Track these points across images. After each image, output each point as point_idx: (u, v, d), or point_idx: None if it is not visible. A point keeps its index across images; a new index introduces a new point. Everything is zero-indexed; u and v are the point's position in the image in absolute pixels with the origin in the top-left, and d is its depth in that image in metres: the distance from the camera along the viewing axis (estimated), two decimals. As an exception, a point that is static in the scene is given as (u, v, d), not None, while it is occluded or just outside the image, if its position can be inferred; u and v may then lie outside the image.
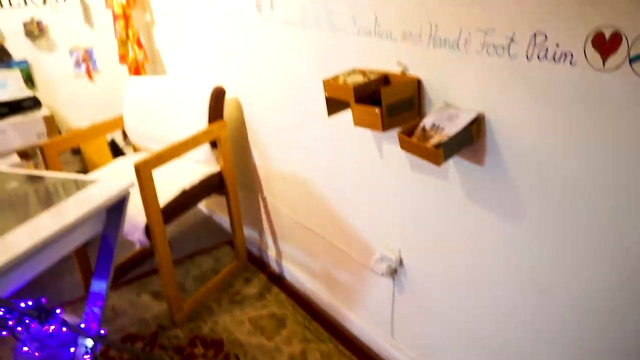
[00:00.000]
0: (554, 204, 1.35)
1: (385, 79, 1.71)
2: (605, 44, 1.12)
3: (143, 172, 2.18)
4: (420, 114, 1.65)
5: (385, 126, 1.59)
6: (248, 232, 3.07)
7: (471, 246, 1.65)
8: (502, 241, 1.54)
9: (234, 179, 2.73)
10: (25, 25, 3.14)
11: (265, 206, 2.85)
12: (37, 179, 2.07)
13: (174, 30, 3.15)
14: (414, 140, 1.50)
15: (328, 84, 1.76)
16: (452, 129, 1.45)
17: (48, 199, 1.90)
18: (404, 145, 1.54)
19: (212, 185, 2.66)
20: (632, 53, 1.07)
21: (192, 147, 2.47)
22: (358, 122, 1.70)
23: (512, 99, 1.35)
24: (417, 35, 1.57)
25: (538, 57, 1.25)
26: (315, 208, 2.39)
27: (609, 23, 1.09)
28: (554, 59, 1.22)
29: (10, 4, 3.08)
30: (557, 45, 1.20)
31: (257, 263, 2.99)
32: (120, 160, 2.94)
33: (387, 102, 1.57)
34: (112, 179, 2.46)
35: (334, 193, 2.25)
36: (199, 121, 2.57)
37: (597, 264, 1.30)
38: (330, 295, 2.53)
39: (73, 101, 3.38)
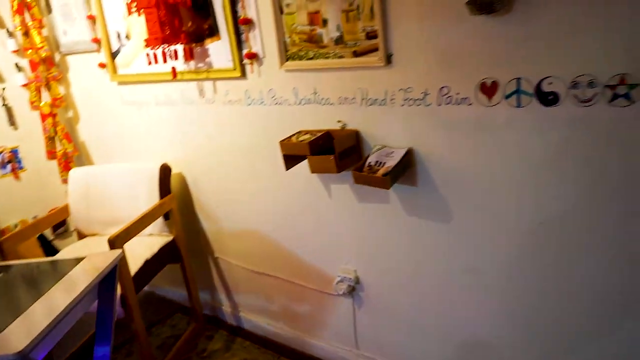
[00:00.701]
0: (470, 207, 1.90)
1: (328, 135, 2.20)
2: (488, 89, 1.73)
3: (117, 245, 2.40)
4: (362, 156, 2.15)
5: (339, 169, 2.07)
6: (200, 294, 3.28)
7: (415, 250, 2.15)
8: (438, 240, 2.05)
9: (186, 246, 2.99)
10: (-51, 131, 3.20)
11: (217, 265, 3.12)
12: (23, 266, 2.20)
13: (102, 123, 3.41)
14: (366, 174, 1.99)
15: (284, 144, 2.21)
16: (391, 162, 1.97)
17: (49, 278, 2.06)
18: (358, 180, 2.02)
19: (168, 254, 2.89)
20: (506, 92, 1.69)
21: (152, 220, 2.73)
22: (315, 169, 2.16)
23: (431, 134, 1.92)
24: (351, 99, 2.11)
25: (445, 103, 1.84)
26: (270, 253, 2.74)
27: (489, 76, 1.70)
28: (456, 103, 1.81)
29: None
30: (458, 93, 1.80)
31: (214, 321, 3.20)
32: (68, 248, 3.05)
33: (339, 150, 2.06)
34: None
35: (287, 236, 2.63)
36: (151, 197, 2.84)
37: (504, 245, 1.85)
38: (293, 329, 2.84)
39: (4, 201, 3.41)
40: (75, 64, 3.41)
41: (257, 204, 2.69)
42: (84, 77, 3.38)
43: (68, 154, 3.49)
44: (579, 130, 1.59)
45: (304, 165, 2.30)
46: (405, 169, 2.00)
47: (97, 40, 3.10)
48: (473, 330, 2.09)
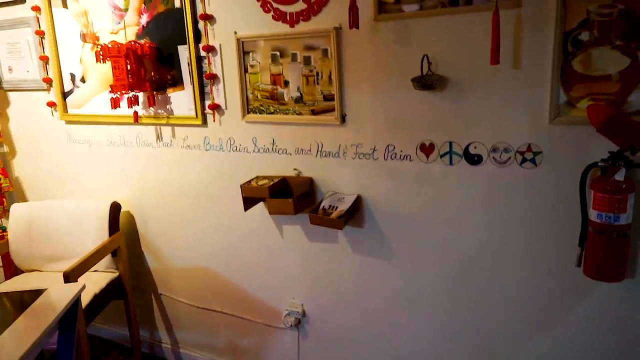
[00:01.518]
0: (408, 244, 2.26)
1: (285, 180, 2.49)
2: (426, 149, 2.12)
3: (72, 279, 2.47)
4: (315, 201, 2.45)
5: (297, 211, 2.35)
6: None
7: (359, 284, 2.45)
8: (380, 274, 2.38)
9: (130, 283, 3.06)
10: None
11: (160, 302, 3.21)
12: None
13: (42, 160, 3.42)
14: (321, 216, 2.29)
15: (245, 187, 2.46)
16: (343, 206, 2.29)
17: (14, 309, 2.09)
18: (313, 221, 2.31)
19: (114, 290, 2.96)
20: (441, 152, 2.09)
21: (101, 257, 2.80)
22: (273, 211, 2.43)
23: (378, 183, 2.27)
24: (307, 150, 2.42)
25: (391, 158, 2.21)
26: (218, 289, 2.91)
27: (427, 138, 2.10)
28: (400, 158, 2.18)
29: None
30: (401, 151, 2.17)
31: (152, 359, 3.25)
32: (9, 282, 3.00)
33: (296, 194, 2.35)
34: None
35: (237, 272, 2.83)
36: (101, 234, 2.92)
37: (437, 275, 2.22)
38: (232, 367, 2.99)
39: None
40: (18, 101, 3.43)
41: (209, 242, 2.87)
42: (26, 114, 3.41)
43: (3, 189, 3.45)
44: (497, 185, 2.02)
45: (259, 206, 2.55)
46: (354, 213, 2.33)
47: (47, 80, 3.17)
48: (412, 348, 2.41)
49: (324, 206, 2.34)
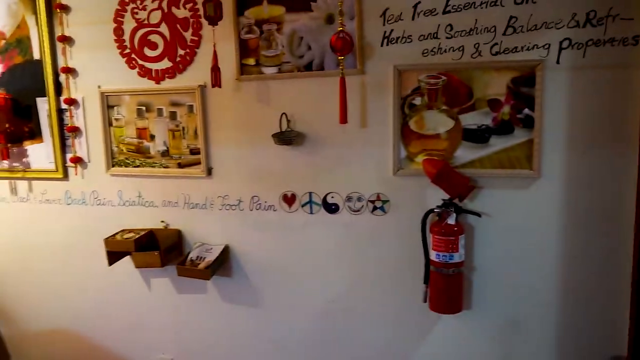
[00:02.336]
0: (275, 291, 2.36)
1: (152, 233, 2.47)
2: (289, 199, 2.26)
3: None
4: (183, 252, 2.46)
5: (164, 263, 2.35)
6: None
7: (230, 331, 2.47)
8: (249, 321, 2.43)
9: (-24, 353, 2.78)
10: None
11: (13, 373, 2.93)
12: None
13: None
14: (188, 267, 2.31)
15: (108, 241, 2.40)
16: (211, 256, 2.33)
17: None
18: (181, 272, 2.31)
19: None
20: (302, 202, 2.24)
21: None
22: (139, 264, 2.39)
23: (245, 233, 2.35)
24: (174, 203, 2.45)
25: (256, 208, 2.32)
26: (81, 352, 2.74)
27: (289, 189, 2.25)
28: (265, 209, 2.30)
29: None
30: (266, 201, 2.30)
31: None
32: None
33: (163, 247, 2.35)
34: None
35: (102, 332, 2.69)
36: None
37: (303, 320, 2.34)
38: None
39: None
40: None
41: (71, 302, 2.72)
42: None
43: None
44: (353, 231, 2.21)
45: (125, 260, 2.50)
46: (223, 263, 2.38)
47: None
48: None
49: (191, 257, 2.36)
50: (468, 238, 2.06)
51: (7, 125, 2.60)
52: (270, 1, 2.15)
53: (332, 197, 2.21)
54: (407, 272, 2.16)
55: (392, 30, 2.05)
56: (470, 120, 2.02)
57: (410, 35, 2.04)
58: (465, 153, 2.04)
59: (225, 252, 2.38)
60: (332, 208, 2.22)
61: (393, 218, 2.16)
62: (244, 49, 2.21)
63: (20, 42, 2.52)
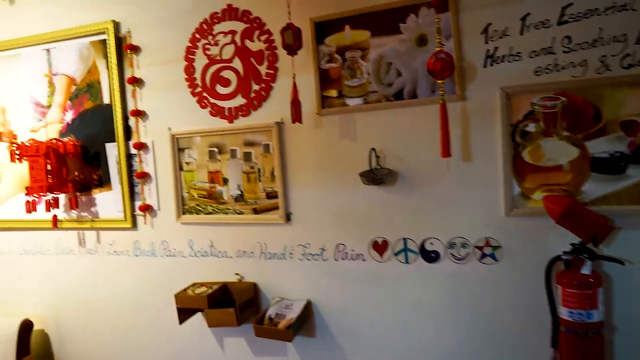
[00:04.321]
0: (365, 354, 2.04)
1: (225, 287, 2.24)
2: (380, 247, 1.97)
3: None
4: (259, 309, 2.20)
5: (240, 322, 2.09)
6: None
7: (313, 404, 2.16)
8: (337, 392, 2.11)
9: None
10: None
11: None
12: None
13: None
14: (267, 327, 2.04)
15: (179, 297, 2.18)
16: (292, 314, 2.05)
17: None
18: (259, 333, 2.04)
19: None
20: (395, 250, 1.94)
21: (5, 387, 2.36)
22: (213, 323, 2.14)
23: (329, 286, 2.07)
24: (249, 253, 2.21)
25: (342, 258, 2.03)
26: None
27: (379, 235, 1.96)
28: (352, 258, 2.02)
29: None
30: (353, 250, 2.01)
31: None
32: None
33: (239, 302, 2.10)
34: None
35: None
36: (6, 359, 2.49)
37: (404, 385, 1.99)
38: None
39: None
40: None
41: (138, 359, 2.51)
42: None
43: None
44: (458, 283, 1.87)
45: (196, 318, 2.27)
46: (305, 321, 2.09)
47: (-46, 183, 2.84)
48: None
49: (270, 315, 2.09)
50: (606, 291, 1.68)
51: (76, 173, 2.49)
52: (353, 26, 1.94)
53: (431, 243, 1.90)
54: (528, 332, 1.80)
55: (496, 48, 1.77)
56: (600, 147, 1.68)
57: (519, 53, 1.75)
58: (595, 187, 1.69)
59: (308, 308, 2.10)
60: (431, 256, 1.91)
61: (507, 267, 1.81)
62: (325, 80, 1.99)
63: (91, 86, 2.43)
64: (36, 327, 2.65)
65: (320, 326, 2.10)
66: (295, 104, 1.91)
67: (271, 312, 2.11)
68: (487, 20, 1.77)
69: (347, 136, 1.98)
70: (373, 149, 1.92)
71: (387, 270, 1.97)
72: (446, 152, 1.72)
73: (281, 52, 2.04)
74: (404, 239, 1.94)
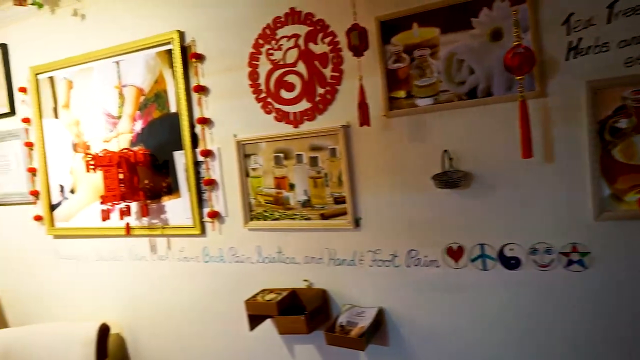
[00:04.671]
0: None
1: (295, 294, 2.21)
2: (454, 253, 1.88)
3: None
4: (330, 316, 2.16)
5: (310, 329, 2.06)
6: None
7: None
8: (411, 402, 2.04)
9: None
10: None
11: None
12: None
13: (26, 278, 3.14)
14: (339, 335, 1.99)
15: (249, 304, 2.18)
16: (364, 322, 2.00)
17: None
18: (331, 341, 2.00)
19: None
20: (471, 256, 1.85)
21: (87, 390, 2.45)
22: (283, 330, 2.12)
23: (401, 294, 2.00)
24: (318, 259, 2.17)
25: (414, 264, 1.96)
26: None
27: (454, 241, 1.87)
28: (425, 264, 1.94)
29: None
30: (426, 256, 1.93)
31: None
32: None
33: (309, 309, 2.07)
34: None
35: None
36: (86, 362, 2.58)
37: (484, 398, 1.90)
38: None
39: None
40: (3, 216, 3.22)
41: (210, 366, 2.54)
42: (10, 229, 3.18)
43: (-20, 313, 3.13)
44: (539, 292, 1.76)
45: (266, 324, 2.26)
46: (377, 329, 2.03)
47: (35, 193, 2.98)
48: None
49: (341, 322, 2.05)
50: None
51: (146, 182, 2.55)
52: (421, 23, 1.86)
53: (511, 249, 1.79)
54: (625, 347, 1.66)
55: (580, 39, 1.64)
56: None
57: (607, 43, 1.61)
58: (698, 187, 1.54)
59: (380, 316, 2.04)
60: (511, 263, 1.80)
61: (597, 275, 1.68)
62: (392, 81, 1.92)
63: (158, 96, 2.48)
64: (112, 331, 2.74)
65: (393, 334, 2.04)
66: (363, 107, 1.85)
67: (342, 319, 2.06)
68: (568, 10, 1.65)
69: (417, 138, 1.90)
70: (446, 150, 1.84)
71: (463, 277, 1.88)
72: (527, 152, 1.62)
73: (346, 54, 1.99)
74: (481, 245, 1.84)
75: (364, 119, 1.86)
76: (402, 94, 1.91)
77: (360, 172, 2.03)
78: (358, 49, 1.81)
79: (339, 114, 2.05)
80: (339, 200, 2.08)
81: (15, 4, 2.58)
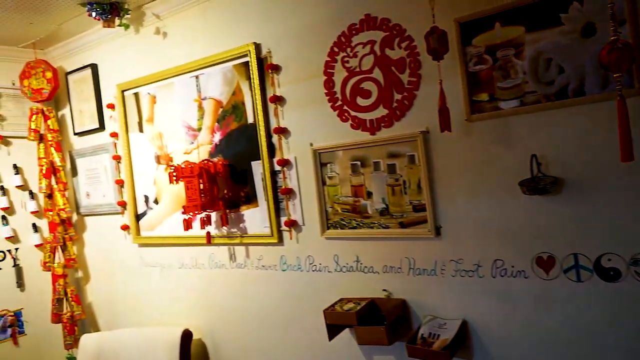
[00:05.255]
0: (535, 380, 1.84)
1: (374, 303, 2.17)
2: (545, 263, 1.77)
3: None
4: (411, 327, 2.11)
5: (391, 340, 2.01)
6: None
7: None
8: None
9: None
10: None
11: None
12: None
13: (115, 285, 3.31)
14: (421, 347, 1.93)
15: (329, 313, 2.16)
16: (447, 334, 1.93)
17: None
18: (413, 353, 1.95)
19: None
20: (564, 266, 1.73)
21: (172, 393, 2.53)
22: (363, 340, 2.09)
23: (486, 306, 1.91)
24: (397, 268, 2.12)
25: (500, 275, 1.87)
26: None
27: (544, 251, 1.76)
28: (512, 275, 1.84)
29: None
30: (513, 266, 1.84)
31: None
32: None
33: (389, 320, 2.02)
34: None
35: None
36: (171, 367, 2.67)
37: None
38: None
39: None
40: (93, 225, 3.42)
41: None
42: (100, 238, 3.37)
43: (75, 317, 3.33)
44: (644, 306, 1.62)
45: (344, 334, 2.24)
46: (461, 342, 1.95)
47: (122, 203, 3.14)
48: None
49: (422, 334, 1.99)
50: None
51: (225, 191, 2.61)
52: (503, 23, 1.78)
53: (609, 259, 1.66)
54: None
55: (685, 31, 1.50)
56: None
57: None
58: None
59: (464, 329, 1.96)
60: (609, 274, 1.67)
61: None
62: (474, 84, 1.85)
63: (236, 107, 2.54)
64: (195, 336, 2.82)
65: (478, 348, 1.95)
66: (444, 112, 1.80)
67: (424, 331, 2.00)
68: (671, -1, 1.52)
69: (501, 142, 1.82)
70: (534, 155, 1.74)
71: (555, 289, 1.76)
72: (627, 155, 1.49)
73: (424, 58, 1.94)
74: (575, 255, 1.72)
75: (445, 124, 1.80)
76: (484, 97, 1.84)
77: (441, 179, 1.97)
78: (438, 53, 1.76)
79: (417, 119, 2.00)
80: (419, 208, 2.03)
81: (105, 26, 2.74)
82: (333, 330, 2.19)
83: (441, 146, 1.95)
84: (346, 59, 2.17)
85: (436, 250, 2.01)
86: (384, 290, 2.17)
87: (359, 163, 2.17)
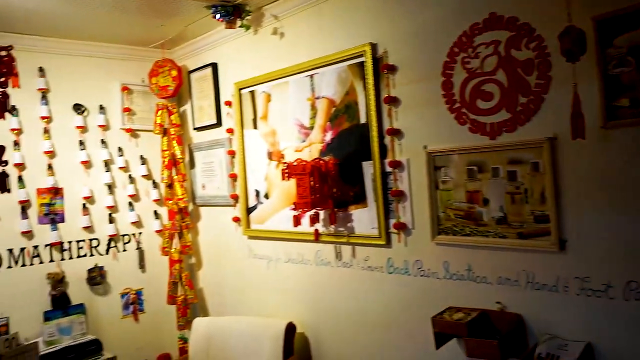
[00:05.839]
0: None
1: (485, 315, 2.08)
2: (691, 290, 1.58)
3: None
4: (526, 345, 1.99)
5: (503, 356, 1.91)
6: None
7: None
8: None
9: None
10: (89, 271, 3.37)
11: None
12: None
13: (224, 273, 3.48)
14: (538, 368, 1.82)
15: (437, 321, 2.10)
16: (568, 356, 1.79)
17: None
18: (528, 373, 1.84)
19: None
20: None
21: (276, 384, 2.61)
22: (472, 353, 2.01)
23: (616, 331, 1.75)
24: (513, 281, 2.01)
25: (635, 299, 1.70)
26: None
27: (691, 276, 1.57)
28: (649, 299, 1.67)
29: (78, 256, 3.36)
30: (651, 290, 1.66)
31: None
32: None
33: (502, 334, 1.92)
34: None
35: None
36: (275, 357, 2.75)
37: None
38: None
39: (121, 342, 3.43)
40: (207, 215, 3.61)
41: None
42: (213, 228, 3.55)
43: (188, 300, 3.55)
44: None
45: (451, 344, 2.16)
46: (584, 367, 1.81)
47: (234, 196, 3.29)
48: None
49: (540, 354, 1.87)
50: None
51: (334, 190, 2.63)
52: (652, 20, 1.61)
53: None
54: None
55: None
56: None
57: None
58: None
59: (588, 352, 1.81)
60: None
61: None
62: (613, 87, 1.70)
63: (349, 107, 2.55)
64: (298, 330, 2.88)
65: (604, 375, 1.79)
66: (577, 118, 1.67)
67: (541, 350, 1.88)
68: None
69: (643, 153, 1.65)
70: (684, 168, 1.56)
71: (703, 319, 1.57)
72: None
73: (554, 60, 1.81)
74: None
75: (579, 131, 1.67)
76: (625, 102, 1.68)
77: (568, 189, 1.83)
78: (573, 54, 1.63)
79: (543, 125, 1.88)
80: (541, 219, 1.90)
81: (227, 27, 2.87)
82: (441, 339, 2.12)
83: (571, 154, 1.81)
84: (467, 59, 2.08)
85: (559, 265, 1.88)
86: (497, 302, 2.07)
87: (476, 168, 2.09)
